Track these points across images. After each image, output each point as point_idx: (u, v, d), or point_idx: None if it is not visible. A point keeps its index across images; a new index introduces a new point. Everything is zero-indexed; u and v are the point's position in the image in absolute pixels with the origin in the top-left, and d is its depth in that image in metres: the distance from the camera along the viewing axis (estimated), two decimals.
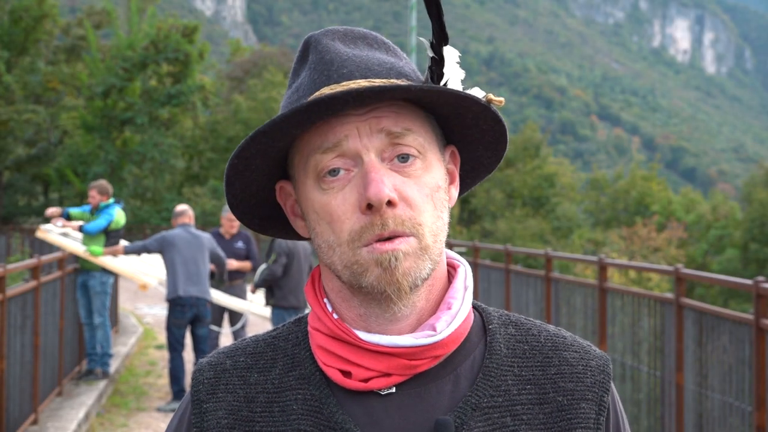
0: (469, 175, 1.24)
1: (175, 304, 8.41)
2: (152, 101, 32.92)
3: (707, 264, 37.90)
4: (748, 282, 5.50)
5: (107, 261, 9.08)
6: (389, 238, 1.06)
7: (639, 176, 47.35)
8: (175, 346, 8.51)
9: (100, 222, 9.02)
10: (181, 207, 8.84)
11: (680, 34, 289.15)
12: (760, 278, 5.35)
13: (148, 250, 8.70)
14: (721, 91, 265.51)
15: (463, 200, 39.25)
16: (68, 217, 9.54)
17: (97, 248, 8.90)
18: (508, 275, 10.32)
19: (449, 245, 13.52)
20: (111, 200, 9.31)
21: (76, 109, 34.85)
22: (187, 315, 8.41)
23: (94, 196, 9.24)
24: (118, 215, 9.22)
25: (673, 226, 39.63)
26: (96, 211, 9.27)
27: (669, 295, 6.58)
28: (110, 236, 9.11)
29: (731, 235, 39.78)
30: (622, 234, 38.17)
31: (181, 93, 32.96)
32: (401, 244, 1.06)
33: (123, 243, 9.29)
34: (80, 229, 9.08)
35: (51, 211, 9.49)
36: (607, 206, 47.01)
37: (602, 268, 7.82)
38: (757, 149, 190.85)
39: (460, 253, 13.84)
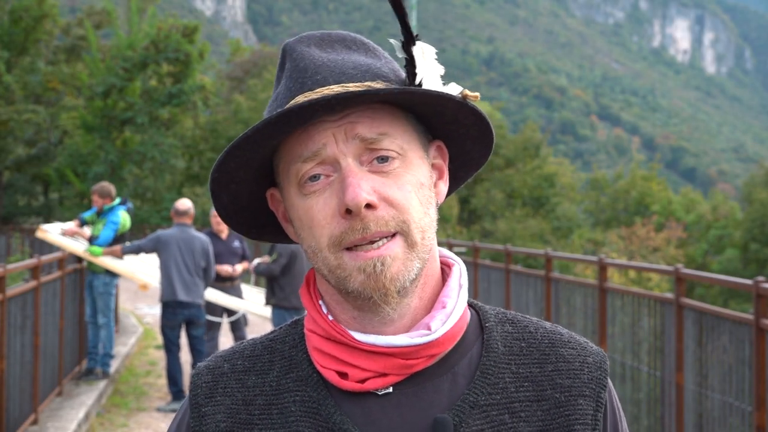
0: (461, 169, 1.24)
1: (167, 306, 8.41)
2: (152, 101, 32.90)
3: (707, 264, 37.92)
4: (748, 282, 5.50)
5: (107, 261, 9.08)
6: (372, 242, 1.06)
7: (639, 176, 47.41)
8: (169, 347, 8.52)
9: (107, 233, 8.98)
10: (184, 206, 8.61)
11: (680, 34, 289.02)
12: (760, 278, 5.35)
13: (144, 250, 8.69)
14: (721, 91, 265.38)
15: (463, 200, 39.30)
16: (84, 222, 9.56)
17: (97, 248, 8.90)
18: (508, 275, 10.31)
19: (449, 245, 13.58)
20: (116, 201, 9.28)
21: (76, 109, 34.82)
22: (179, 317, 8.40)
23: (96, 200, 9.22)
24: (123, 219, 9.18)
25: (672, 226, 39.65)
26: (101, 214, 9.25)
27: (669, 295, 6.58)
28: (116, 239, 9.13)
29: (731, 235, 39.81)
30: (621, 234, 38.19)
31: (182, 93, 32.93)
32: (387, 250, 1.06)
33: (127, 243, 9.29)
34: (90, 241, 9.09)
35: (70, 231, 9.46)
36: (607, 206, 47.05)
37: (602, 268, 7.82)
38: (757, 149, 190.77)
39: (460, 253, 13.87)
